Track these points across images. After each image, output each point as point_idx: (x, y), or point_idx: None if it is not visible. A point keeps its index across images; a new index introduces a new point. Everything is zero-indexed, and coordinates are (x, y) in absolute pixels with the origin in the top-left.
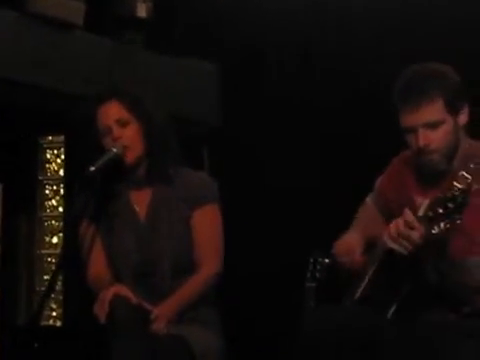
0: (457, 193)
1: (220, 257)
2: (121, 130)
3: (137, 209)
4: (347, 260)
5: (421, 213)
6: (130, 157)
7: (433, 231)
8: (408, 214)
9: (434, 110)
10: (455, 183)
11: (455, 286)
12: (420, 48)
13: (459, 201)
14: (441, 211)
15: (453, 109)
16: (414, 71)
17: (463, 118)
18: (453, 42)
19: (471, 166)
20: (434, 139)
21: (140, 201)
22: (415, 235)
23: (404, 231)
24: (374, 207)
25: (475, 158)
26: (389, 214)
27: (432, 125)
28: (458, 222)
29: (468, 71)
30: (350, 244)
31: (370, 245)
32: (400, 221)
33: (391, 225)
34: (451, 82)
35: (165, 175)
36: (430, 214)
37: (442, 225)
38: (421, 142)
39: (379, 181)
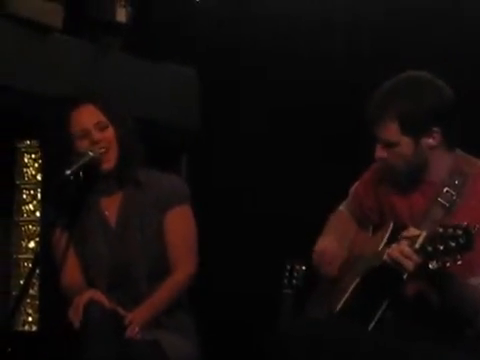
0: (460, 233)
1: (194, 258)
2: (101, 134)
3: (107, 215)
4: (330, 269)
5: (418, 245)
6: (110, 160)
7: (430, 266)
8: (404, 244)
9: (387, 131)
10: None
11: (458, 306)
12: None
13: (462, 243)
14: (441, 248)
15: (412, 132)
16: (386, 86)
17: (431, 141)
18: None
19: (456, 182)
20: (389, 157)
21: (110, 207)
22: (409, 264)
23: (398, 258)
24: (348, 214)
25: (460, 174)
26: (365, 221)
27: (387, 144)
28: (459, 263)
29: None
30: (332, 253)
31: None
32: (396, 247)
33: (392, 248)
34: (415, 104)
35: (135, 178)
36: (429, 249)
37: (441, 263)
38: (376, 156)
39: (355, 187)
